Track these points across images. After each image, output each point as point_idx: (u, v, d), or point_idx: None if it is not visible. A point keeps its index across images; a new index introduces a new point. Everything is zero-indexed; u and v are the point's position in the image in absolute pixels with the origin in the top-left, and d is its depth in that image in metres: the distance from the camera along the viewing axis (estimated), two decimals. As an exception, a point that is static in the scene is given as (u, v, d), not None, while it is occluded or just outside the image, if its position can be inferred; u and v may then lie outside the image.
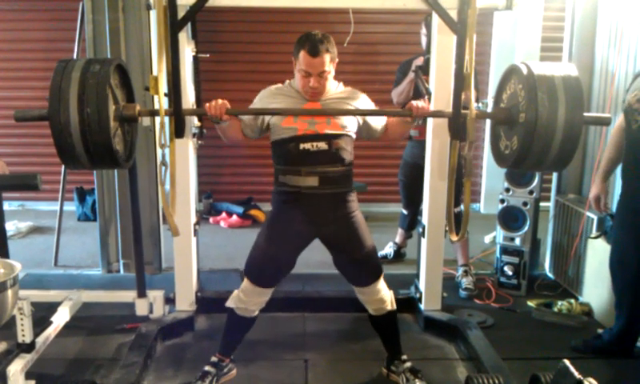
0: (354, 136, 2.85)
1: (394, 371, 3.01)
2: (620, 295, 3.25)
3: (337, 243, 2.88)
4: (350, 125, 2.82)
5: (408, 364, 2.99)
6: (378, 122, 2.94)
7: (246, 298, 2.89)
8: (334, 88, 2.84)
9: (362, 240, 2.86)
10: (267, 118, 2.81)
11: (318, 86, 2.69)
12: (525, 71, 2.56)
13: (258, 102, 2.86)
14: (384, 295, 2.95)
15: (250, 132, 2.89)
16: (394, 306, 3.01)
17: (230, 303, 2.95)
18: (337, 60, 2.73)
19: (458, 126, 2.88)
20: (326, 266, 3.27)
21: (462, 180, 2.95)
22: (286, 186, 2.80)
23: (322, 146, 2.71)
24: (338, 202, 2.82)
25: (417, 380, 2.90)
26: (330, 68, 2.69)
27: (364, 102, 2.89)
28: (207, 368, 2.95)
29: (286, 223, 2.83)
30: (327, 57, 2.64)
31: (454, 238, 3.02)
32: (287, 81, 2.89)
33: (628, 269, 3.13)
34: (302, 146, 2.71)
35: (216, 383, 2.94)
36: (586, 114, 2.55)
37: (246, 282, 2.89)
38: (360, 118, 2.87)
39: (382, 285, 2.95)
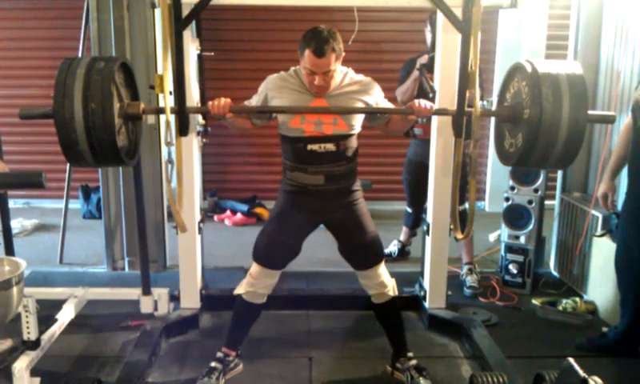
0: (359, 130, 2.86)
1: (399, 369, 3.00)
2: (625, 293, 3.24)
3: (341, 229, 2.94)
4: (358, 122, 2.83)
5: (413, 361, 2.98)
6: (375, 117, 2.93)
7: (256, 281, 2.92)
8: (341, 79, 2.80)
9: (364, 226, 2.92)
10: (273, 104, 2.81)
11: (324, 84, 2.69)
12: (529, 69, 2.57)
13: (263, 92, 2.85)
14: (385, 279, 2.98)
15: (258, 120, 2.94)
16: (396, 292, 3.04)
17: (238, 290, 2.97)
18: (343, 55, 2.71)
19: (462, 124, 2.88)
20: (330, 263, 3.29)
21: (466, 178, 2.95)
22: (293, 181, 2.86)
23: (330, 147, 2.75)
24: (343, 194, 2.89)
25: (421, 378, 2.89)
26: (335, 66, 2.67)
27: (375, 94, 2.85)
28: (214, 364, 2.95)
29: (293, 212, 2.89)
30: (333, 56, 2.61)
31: (460, 236, 3.05)
32: (293, 68, 2.85)
33: (633, 267, 3.12)
34: (309, 146, 2.75)
35: (222, 379, 2.94)
36: (590, 112, 2.55)
37: (254, 266, 2.94)
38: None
39: (383, 269, 2.99)
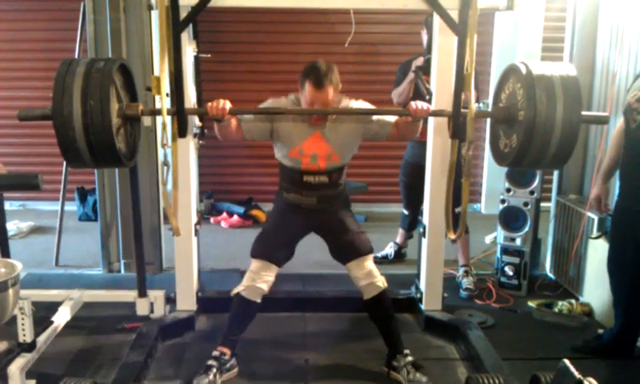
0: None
1: (396, 367, 3.01)
2: (617, 295, 3.25)
3: (327, 230, 3.17)
4: (350, 155, 3.13)
5: (410, 358, 3.00)
6: (383, 128, 3.07)
7: (255, 275, 3.02)
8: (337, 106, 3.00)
9: (347, 223, 3.14)
10: (275, 131, 3.02)
11: (323, 116, 2.92)
12: (523, 70, 2.58)
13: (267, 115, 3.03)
14: (373, 270, 3.09)
15: (249, 136, 3.05)
16: (386, 285, 3.10)
17: (237, 288, 3.06)
18: (340, 86, 2.91)
19: (458, 125, 2.89)
20: (326, 266, 3.30)
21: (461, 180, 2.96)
22: (288, 199, 3.14)
23: (323, 179, 3.06)
24: (332, 208, 3.16)
25: (418, 373, 2.92)
26: (333, 98, 2.88)
27: (372, 119, 3.06)
28: (210, 362, 2.97)
29: (288, 220, 3.15)
30: (331, 89, 2.83)
31: (453, 235, 3.09)
32: (293, 95, 3.01)
33: (625, 269, 3.13)
34: (305, 178, 3.04)
35: (220, 377, 2.95)
36: (584, 113, 2.58)
37: (253, 262, 3.06)
38: (363, 133, 3.07)
39: (371, 263, 3.11)
